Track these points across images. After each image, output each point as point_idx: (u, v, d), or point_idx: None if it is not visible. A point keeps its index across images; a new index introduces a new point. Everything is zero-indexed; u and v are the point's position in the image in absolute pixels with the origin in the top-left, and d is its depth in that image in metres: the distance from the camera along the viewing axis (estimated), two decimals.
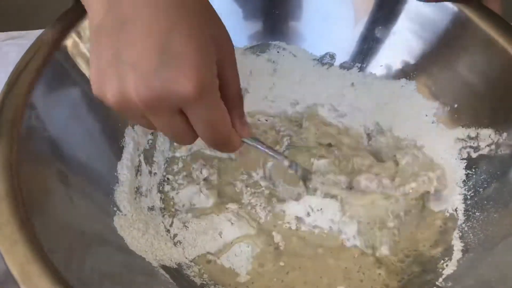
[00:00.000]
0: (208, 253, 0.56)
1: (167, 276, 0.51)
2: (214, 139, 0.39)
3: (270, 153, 0.52)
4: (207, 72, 0.35)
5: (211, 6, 0.39)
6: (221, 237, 0.57)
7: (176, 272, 0.53)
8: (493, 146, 0.57)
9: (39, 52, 0.51)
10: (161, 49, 0.33)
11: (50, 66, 0.51)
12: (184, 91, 0.33)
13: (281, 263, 0.56)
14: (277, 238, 0.58)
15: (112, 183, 0.56)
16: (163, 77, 0.33)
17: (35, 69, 0.49)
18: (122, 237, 0.51)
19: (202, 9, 0.37)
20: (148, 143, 0.64)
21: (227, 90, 0.40)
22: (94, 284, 0.43)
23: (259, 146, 0.49)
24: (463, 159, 0.60)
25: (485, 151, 0.58)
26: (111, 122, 0.59)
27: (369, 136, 0.69)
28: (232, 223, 0.58)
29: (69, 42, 0.53)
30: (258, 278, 0.55)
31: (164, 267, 0.52)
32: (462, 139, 0.61)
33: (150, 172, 0.62)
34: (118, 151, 0.59)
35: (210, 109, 0.36)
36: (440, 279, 0.51)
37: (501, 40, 0.56)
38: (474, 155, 0.59)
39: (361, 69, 0.71)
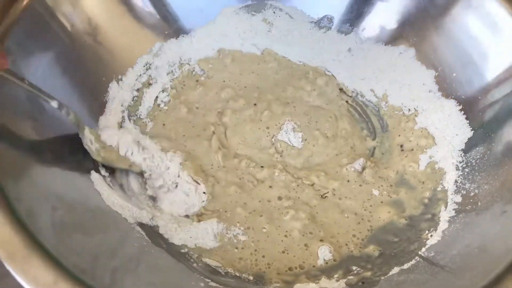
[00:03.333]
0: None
1: (143, 233, 0.50)
2: None
3: (34, 91, 0.46)
4: None
5: None
6: None
7: (154, 231, 0.52)
8: (489, 116, 0.55)
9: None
10: None
11: (28, 14, 0.49)
12: None
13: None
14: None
15: None
16: None
17: (13, 15, 0.48)
18: (98, 191, 0.50)
19: None
20: (133, 99, 0.62)
21: None
22: (68, 242, 0.41)
23: (19, 82, 0.44)
24: (457, 129, 0.58)
25: (480, 121, 0.56)
26: (94, 76, 0.58)
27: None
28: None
29: None
30: None
31: (141, 225, 0.51)
32: (459, 110, 0.58)
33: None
34: (101, 106, 0.57)
35: None
36: (423, 249, 0.49)
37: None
38: (469, 126, 0.57)
39: (359, 34, 0.68)
